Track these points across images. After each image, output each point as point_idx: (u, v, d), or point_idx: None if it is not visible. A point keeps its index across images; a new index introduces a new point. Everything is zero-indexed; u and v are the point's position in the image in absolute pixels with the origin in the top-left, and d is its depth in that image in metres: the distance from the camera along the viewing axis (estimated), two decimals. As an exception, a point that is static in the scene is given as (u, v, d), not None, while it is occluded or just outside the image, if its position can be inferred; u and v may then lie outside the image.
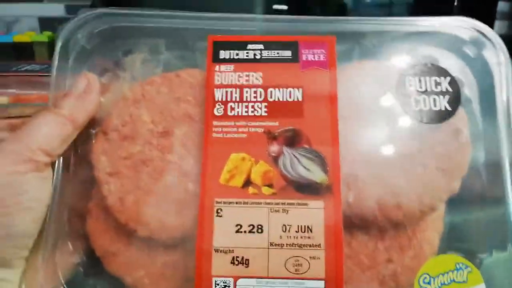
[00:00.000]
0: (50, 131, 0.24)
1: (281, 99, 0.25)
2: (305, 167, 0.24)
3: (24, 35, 0.71)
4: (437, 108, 0.26)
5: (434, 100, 0.26)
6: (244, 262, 0.23)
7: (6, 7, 0.75)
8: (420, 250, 0.26)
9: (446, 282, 0.24)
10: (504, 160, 0.26)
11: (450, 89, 0.26)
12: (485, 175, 0.27)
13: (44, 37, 0.70)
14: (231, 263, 0.23)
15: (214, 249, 0.23)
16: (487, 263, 0.25)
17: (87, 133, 0.27)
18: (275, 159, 0.24)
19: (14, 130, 0.24)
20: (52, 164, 0.25)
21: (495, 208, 0.26)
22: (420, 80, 0.26)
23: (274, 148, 0.24)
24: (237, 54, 0.26)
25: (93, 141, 0.27)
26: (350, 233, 0.26)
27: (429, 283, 0.24)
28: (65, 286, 0.25)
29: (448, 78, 0.26)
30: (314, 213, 0.23)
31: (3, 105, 0.40)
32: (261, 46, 0.26)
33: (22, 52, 0.70)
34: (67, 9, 0.77)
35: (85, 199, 0.27)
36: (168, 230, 0.25)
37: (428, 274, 0.24)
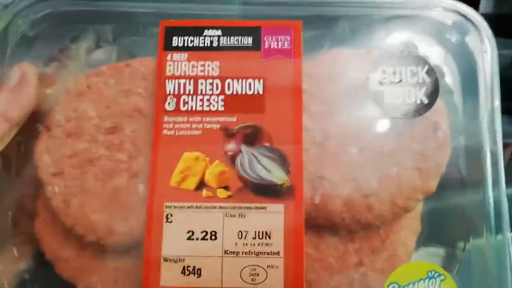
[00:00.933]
0: None
1: (240, 92, 0.23)
2: (264, 167, 0.22)
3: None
4: (413, 101, 0.23)
5: (409, 92, 0.23)
6: (195, 271, 0.21)
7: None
8: (394, 253, 0.25)
9: (416, 291, 0.22)
10: (485, 152, 0.24)
11: (427, 80, 0.24)
12: (464, 163, 0.25)
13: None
14: (182, 273, 0.21)
15: (163, 258, 0.21)
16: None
17: (32, 129, 0.25)
18: (232, 159, 0.22)
19: None
20: (-11, 165, 0.23)
21: (473, 194, 0.24)
22: (394, 71, 0.24)
23: (231, 146, 0.22)
24: (191, 41, 0.23)
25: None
26: (318, 235, 0.24)
27: (398, 292, 0.22)
28: (8, 296, 0.23)
29: (426, 67, 0.24)
30: (273, 217, 0.21)
31: None
32: (219, 32, 0.23)
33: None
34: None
35: (32, 200, 0.25)
36: (116, 236, 0.23)
37: (397, 283, 0.22)
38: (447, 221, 0.26)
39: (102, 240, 0.23)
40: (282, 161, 0.22)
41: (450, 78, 0.26)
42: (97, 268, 0.24)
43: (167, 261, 0.21)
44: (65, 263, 0.24)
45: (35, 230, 0.25)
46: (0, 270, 0.23)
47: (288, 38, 0.23)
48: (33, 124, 0.24)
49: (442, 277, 0.22)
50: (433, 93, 0.24)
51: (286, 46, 0.23)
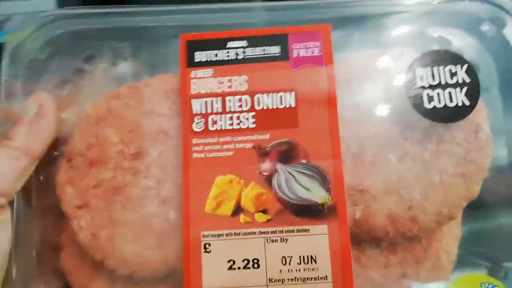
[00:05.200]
0: (2, 169, 0.20)
1: (270, 107, 0.21)
2: (303, 186, 0.21)
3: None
4: (454, 104, 0.22)
5: (450, 94, 0.22)
6: (240, 303, 0.20)
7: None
8: (437, 261, 0.24)
9: (471, 303, 0.21)
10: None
11: (467, 79, 0.22)
12: (509, 174, 0.24)
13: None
14: (225, 305, 0.20)
15: (204, 290, 0.20)
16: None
17: (49, 156, 0.23)
18: (268, 179, 0.21)
19: None
20: (10, 203, 0.22)
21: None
22: (432, 72, 0.22)
23: (266, 165, 0.21)
24: (216, 55, 0.22)
25: (57, 168, 0.23)
26: (358, 248, 0.23)
27: (453, 306, 0.21)
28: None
29: (465, 66, 0.22)
30: (317, 240, 0.20)
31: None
32: (243, 43, 0.22)
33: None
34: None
35: (56, 232, 0.24)
36: (150, 266, 0.22)
37: (451, 297, 0.21)
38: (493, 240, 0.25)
39: (135, 272, 0.22)
40: (322, 178, 0.21)
41: (486, 74, 0.24)
42: (130, 300, 0.23)
43: (208, 293, 0.20)
44: (96, 297, 0.23)
45: (61, 263, 0.24)
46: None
47: (318, 44, 0.22)
48: (49, 151, 0.23)
49: None
50: (474, 93, 0.22)
51: (316, 53, 0.22)
